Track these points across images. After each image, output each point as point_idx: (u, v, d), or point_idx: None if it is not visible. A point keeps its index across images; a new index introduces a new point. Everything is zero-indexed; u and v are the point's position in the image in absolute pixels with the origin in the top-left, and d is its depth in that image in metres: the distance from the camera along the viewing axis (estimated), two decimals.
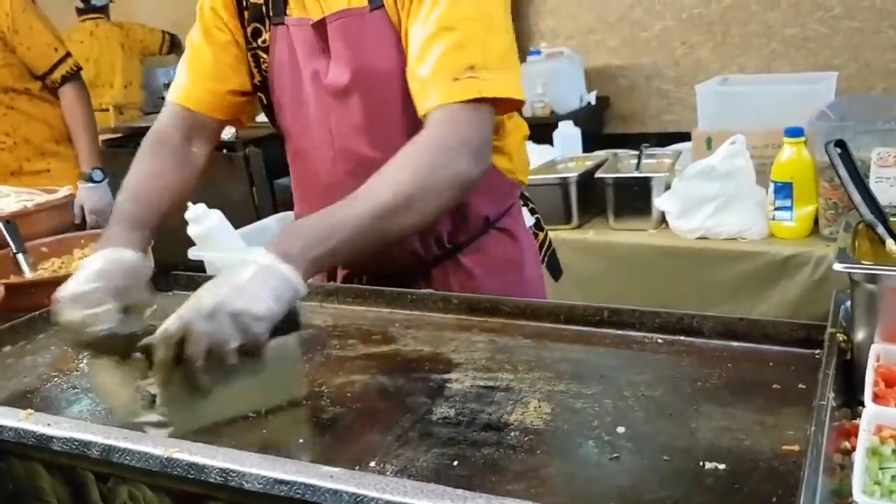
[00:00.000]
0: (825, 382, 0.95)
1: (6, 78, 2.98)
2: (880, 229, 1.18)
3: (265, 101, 1.56)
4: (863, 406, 0.92)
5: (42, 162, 3.12)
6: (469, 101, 1.25)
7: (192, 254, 2.09)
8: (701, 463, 0.92)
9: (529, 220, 1.61)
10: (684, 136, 2.96)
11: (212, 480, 0.88)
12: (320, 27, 1.42)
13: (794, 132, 2.34)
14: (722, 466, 0.91)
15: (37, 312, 1.52)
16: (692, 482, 0.89)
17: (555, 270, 1.86)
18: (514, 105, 1.38)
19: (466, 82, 1.24)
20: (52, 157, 3.14)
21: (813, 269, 2.28)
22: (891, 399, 0.93)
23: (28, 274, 1.85)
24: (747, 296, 2.37)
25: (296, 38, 1.46)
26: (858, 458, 0.81)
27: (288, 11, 1.46)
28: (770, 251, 2.36)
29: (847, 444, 0.92)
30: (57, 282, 1.75)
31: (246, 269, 1.04)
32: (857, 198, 1.20)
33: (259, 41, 1.50)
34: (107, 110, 5.04)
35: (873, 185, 1.73)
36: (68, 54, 3.09)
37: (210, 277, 1.67)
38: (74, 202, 2.75)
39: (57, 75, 3.05)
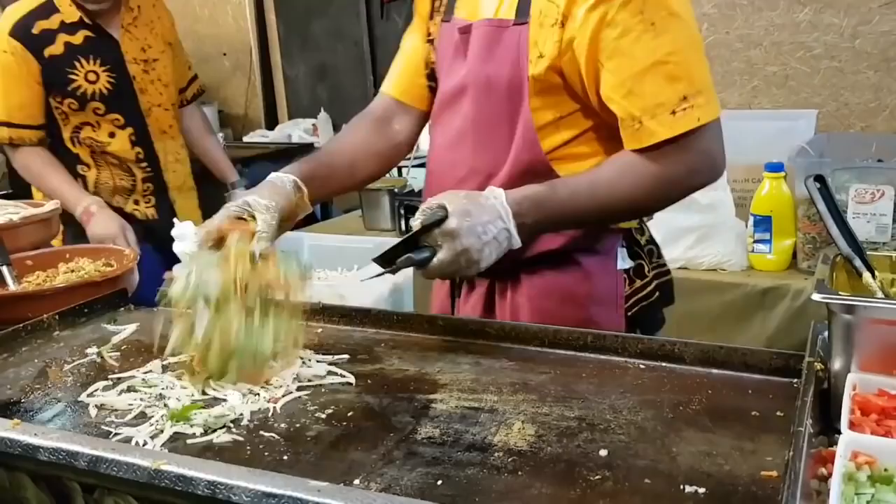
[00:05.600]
0: (803, 410, 0.98)
1: None
2: (857, 262, 1.21)
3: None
4: (839, 433, 0.94)
5: None
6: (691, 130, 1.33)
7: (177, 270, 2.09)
8: (681, 486, 0.94)
9: (625, 263, 1.53)
10: None
11: (199, 493, 0.88)
12: (465, 32, 1.50)
13: (774, 167, 2.39)
14: (702, 490, 0.93)
15: (20, 325, 1.52)
16: None
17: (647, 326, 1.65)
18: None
19: (684, 114, 1.33)
20: None
21: (791, 301, 2.31)
22: (866, 426, 0.96)
23: (12, 287, 1.84)
24: (726, 326, 2.39)
25: (450, 37, 1.55)
26: (835, 483, 0.84)
27: (455, 10, 1.55)
28: (749, 283, 2.39)
29: (824, 471, 0.94)
30: (41, 295, 1.76)
31: (496, 226, 1.30)
32: (835, 231, 1.24)
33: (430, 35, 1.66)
34: None
35: (851, 221, 1.77)
36: None
37: None
38: None
39: None
